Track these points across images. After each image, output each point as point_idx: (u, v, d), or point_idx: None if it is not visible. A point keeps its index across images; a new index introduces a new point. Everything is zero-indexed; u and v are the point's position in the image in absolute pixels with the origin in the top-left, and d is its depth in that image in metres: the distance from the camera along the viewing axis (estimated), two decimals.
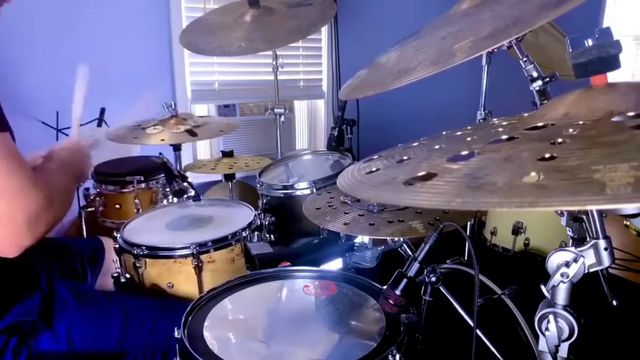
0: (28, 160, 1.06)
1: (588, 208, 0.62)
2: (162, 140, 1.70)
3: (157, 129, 1.72)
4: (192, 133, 1.71)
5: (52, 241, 1.35)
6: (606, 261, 0.63)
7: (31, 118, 2.19)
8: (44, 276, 1.08)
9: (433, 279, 0.97)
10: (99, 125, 2.20)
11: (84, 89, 1.35)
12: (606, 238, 0.63)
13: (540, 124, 0.59)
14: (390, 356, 0.77)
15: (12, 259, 0.88)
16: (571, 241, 0.73)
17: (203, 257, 1.26)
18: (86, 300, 1.12)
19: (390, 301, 0.87)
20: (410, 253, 1.16)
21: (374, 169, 0.64)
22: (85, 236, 1.87)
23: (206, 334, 0.88)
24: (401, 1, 3.18)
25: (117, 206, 1.86)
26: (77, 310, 1.07)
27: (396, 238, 1.17)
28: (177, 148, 1.92)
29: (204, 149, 2.86)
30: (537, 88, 1.16)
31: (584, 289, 0.72)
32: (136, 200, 1.83)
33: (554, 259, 0.65)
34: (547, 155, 0.47)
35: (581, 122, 0.56)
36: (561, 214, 0.76)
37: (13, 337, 0.95)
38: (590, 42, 0.60)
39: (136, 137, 1.71)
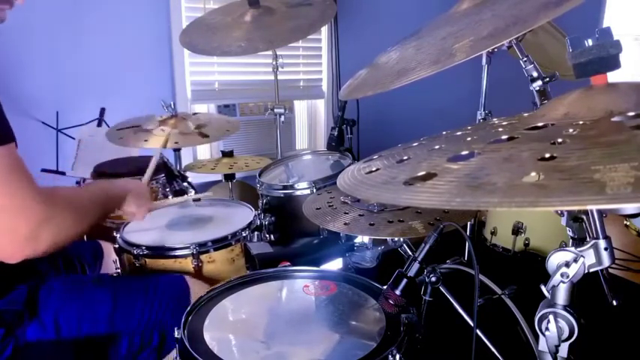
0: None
1: (588, 208, 0.62)
2: (176, 143, 1.69)
3: (163, 130, 1.71)
4: (203, 135, 1.71)
5: None
6: (606, 261, 0.63)
7: (31, 118, 2.19)
8: (37, 268, 1.06)
9: (433, 279, 0.97)
10: (99, 125, 2.20)
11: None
12: (606, 238, 0.63)
13: (540, 124, 0.59)
14: (390, 356, 0.77)
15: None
16: (571, 241, 0.73)
17: (203, 257, 1.26)
18: (72, 284, 1.10)
19: (390, 301, 0.87)
20: (410, 253, 1.16)
21: (374, 169, 0.64)
22: (84, 236, 1.86)
23: (206, 334, 0.88)
24: (401, 1, 3.18)
25: None
26: (63, 296, 1.04)
27: (396, 238, 1.17)
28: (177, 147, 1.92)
29: (204, 149, 2.85)
30: (537, 88, 1.16)
31: (584, 289, 0.72)
32: None
33: (554, 259, 0.65)
34: (547, 155, 0.47)
35: (581, 122, 0.56)
36: (561, 214, 0.76)
37: None
38: (590, 42, 0.60)
39: (146, 140, 1.69)
